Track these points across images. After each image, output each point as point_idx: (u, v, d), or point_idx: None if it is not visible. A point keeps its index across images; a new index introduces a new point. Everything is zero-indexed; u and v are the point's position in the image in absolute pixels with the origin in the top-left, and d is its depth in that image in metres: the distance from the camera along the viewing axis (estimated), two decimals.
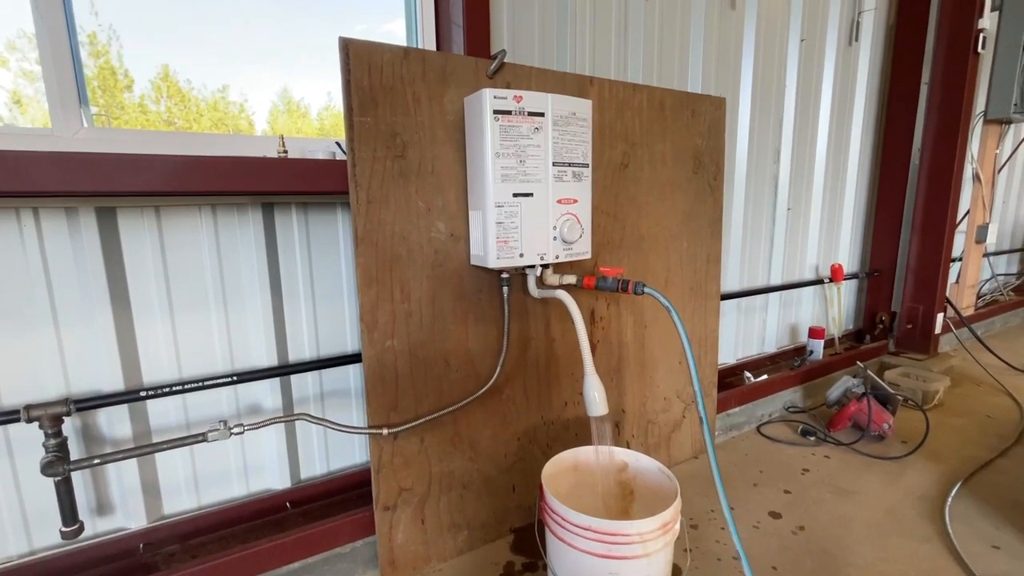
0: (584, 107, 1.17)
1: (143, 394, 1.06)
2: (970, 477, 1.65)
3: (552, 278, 1.22)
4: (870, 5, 2.45)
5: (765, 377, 2.07)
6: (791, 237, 2.43)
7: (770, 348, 2.47)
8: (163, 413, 1.16)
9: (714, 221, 1.73)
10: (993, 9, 2.58)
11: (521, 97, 1.07)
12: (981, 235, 3.05)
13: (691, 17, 1.88)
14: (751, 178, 2.18)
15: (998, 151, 3.06)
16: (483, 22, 1.38)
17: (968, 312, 3.19)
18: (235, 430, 1.03)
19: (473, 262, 1.21)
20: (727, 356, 2.28)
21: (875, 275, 2.73)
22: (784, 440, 1.93)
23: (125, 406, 1.10)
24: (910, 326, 2.64)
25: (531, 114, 1.08)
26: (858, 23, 2.44)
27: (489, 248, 1.10)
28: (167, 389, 1.08)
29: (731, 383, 2.18)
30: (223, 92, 1.26)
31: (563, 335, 1.41)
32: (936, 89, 2.45)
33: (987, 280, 3.84)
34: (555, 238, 1.17)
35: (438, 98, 1.13)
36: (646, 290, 1.15)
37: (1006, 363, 2.75)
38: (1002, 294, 3.87)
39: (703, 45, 1.91)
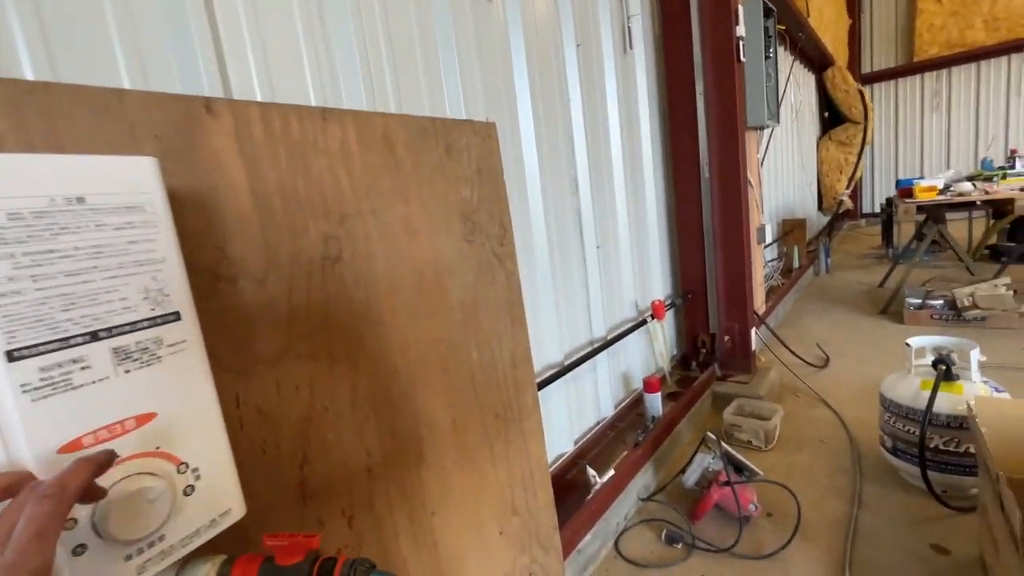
0: (133, 175, 0.45)
1: None
2: (851, 563, 1.37)
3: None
4: (636, 10, 2.20)
5: (612, 474, 1.59)
6: (606, 278, 2.05)
7: (607, 411, 2.05)
8: None
9: (513, 304, 1.15)
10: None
11: None
12: (761, 236, 3.15)
13: (432, 7, 1.28)
14: (551, 220, 1.69)
15: (760, 155, 3.21)
16: None
17: (762, 311, 3.31)
18: None
19: None
20: (564, 444, 1.77)
21: (689, 296, 2.55)
22: (651, 563, 1.47)
23: None
24: (730, 346, 2.51)
25: None
26: (629, 28, 2.17)
27: None
28: None
29: (573, 482, 1.67)
30: None
31: None
32: (711, 99, 2.32)
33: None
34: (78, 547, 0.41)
35: None
36: None
37: (803, 360, 2.83)
38: (774, 280, 4.27)
39: (456, 49, 1.34)
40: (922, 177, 4.01)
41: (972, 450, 1.47)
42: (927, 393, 1.52)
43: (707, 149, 2.37)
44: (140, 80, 0.80)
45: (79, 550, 0.41)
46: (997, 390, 1.51)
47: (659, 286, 2.49)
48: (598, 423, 1.99)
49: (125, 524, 0.42)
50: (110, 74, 0.77)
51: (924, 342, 1.65)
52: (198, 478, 0.49)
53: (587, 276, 1.91)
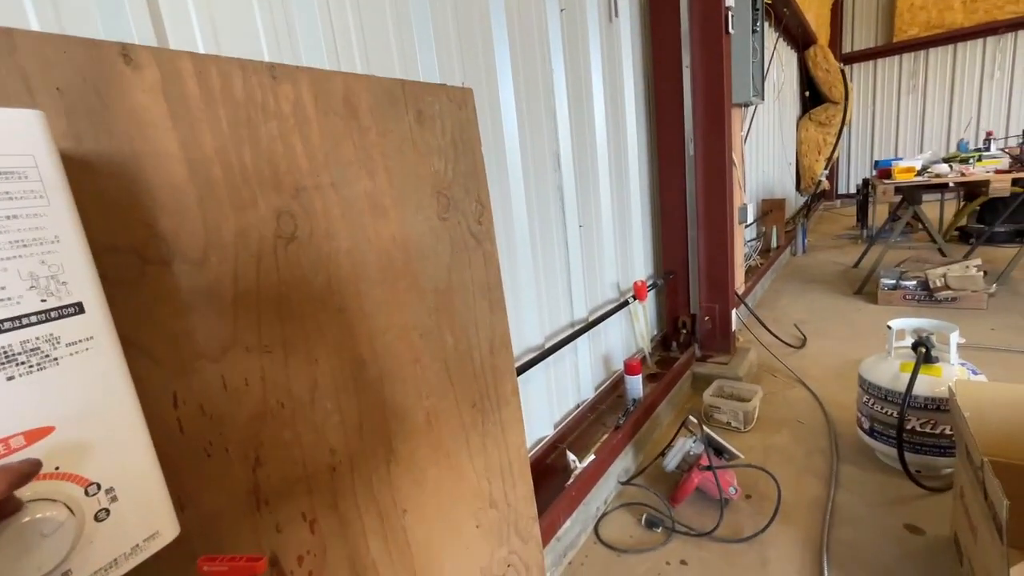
0: (10, 132, 0.35)
1: None
2: (829, 543, 1.37)
3: None
4: None
5: (592, 458, 1.56)
6: (587, 259, 1.99)
7: (587, 394, 2.02)
8: None
9: (492, 287, 1.08)
10: None
11: None
12: (743, 216, 3.12)
13: None
14: (532, 197, 1.61)
15: (743, 132, 3.17)
16: None
17: (741, 291, 3.31)
18: None
19: None
20: (544, 428, 1.73)
21: (670, 277, 2.52)
22: (631, 547, 1.45)
23: None
24: (710, 327, 2.49)
25: None
26: None
27: None
28: None
29: (553, 466, 1.63)
30: None
31: None
32: (698, 73, 2.24)
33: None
34: None
35: None
36: None
37: (782, 340, 2.84)
38: (753, 260, 4.28)
39: (430, 7, 1.23)
40: (900, 158, 4.04)
41: (948, 431, 1.48)
42: (907, 375, 1.51)
43: (692, 125, 2.30)
44: (53, 22, 0.68)
45: None
46: (974, 372, 1.52)
47: (641, 266, 2.44)
48: (578, 406, 1.96)
49: (9, 566, 0.34)
50: (14, 12, 0.65)
51: (904, 324, 1.65)
52: (114, 500, 0.41)
53: (569, 256, 1.85)
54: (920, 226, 4.60)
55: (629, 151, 2.26)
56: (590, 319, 1.97)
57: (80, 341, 0.39)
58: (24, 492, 0.36)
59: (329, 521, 0.75)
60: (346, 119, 0.76)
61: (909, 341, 1.64)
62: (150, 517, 0.44)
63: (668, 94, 2.32)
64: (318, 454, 0.73)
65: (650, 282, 2.46)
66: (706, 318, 2.50)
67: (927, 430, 1.50)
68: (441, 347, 0.94)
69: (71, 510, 0.38)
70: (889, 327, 1.64)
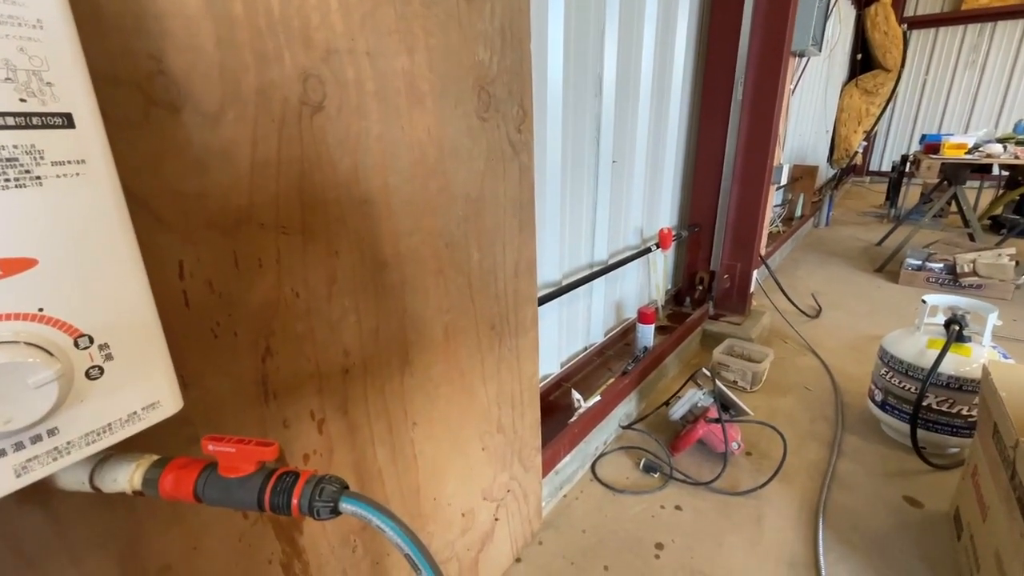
0: None
1: None
2: (826, 506, 1.37)
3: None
4: None
5: (598, 399, 1.54)
6: (615, 198, 1.89)
7: (597, 338, 1.98)
8: None
9: (524, 205, 1.00)
10: None
11: None
12: (777, 176, 2.97)
13: None
14: (569, 122, 1.49)
15: (792, 85, 2.95)
16: None
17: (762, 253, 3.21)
18: None
19: None
20: (550, 366, 1.70)
21: (695, 230, 2.42)
22: (627, 488, 1.45)
23: None
24: (728, 286, 2.42)
25: None
26: None
27: None
28: None
29: (556, 403, 1.62)
30: None
31: None
32: (760, 7, 2.04)
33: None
34: None
35: None
36: (346, 507, 0.37)
37: (797, 308, 2.78)
38: (775, 226, 4.15)
39: None
40: (950, 134, 3.80)
41: (964, 412, 1.44)
42: (933, 352, 1.46)
43: (745, 67, 2.12)
44: None
45: None
46: (1005, 356, 1.46)
47: (667, 215, 2.34)
48: (586, 348, 1.93)
49: None
50: None
51: (939, 300, 1.58)
52: (108, 358, 0.35)
53: (597, 193, 1.75)
54: (952, 210, 4.43)
55: (673, 88, 2.10)
56: (609, 262, 1.89)
57: (69, 163, 0.32)
58: (2, 332, 0.30)
59: (338, 424, 0.71)
60: None
61: (940, 319, 1.57)
62: (150, 384, 0.39)
63: (724, 27, 2.12)
64: (331, 353, 0.68)
65: (674, 233, 2.36)
66: (725, 276, 2.43)
67: (944, 408, 1.47)
68: (466, 260, 0.88)
69: (57, 362, 0.32)
70: (924, 301, 1.57)
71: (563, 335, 1.75)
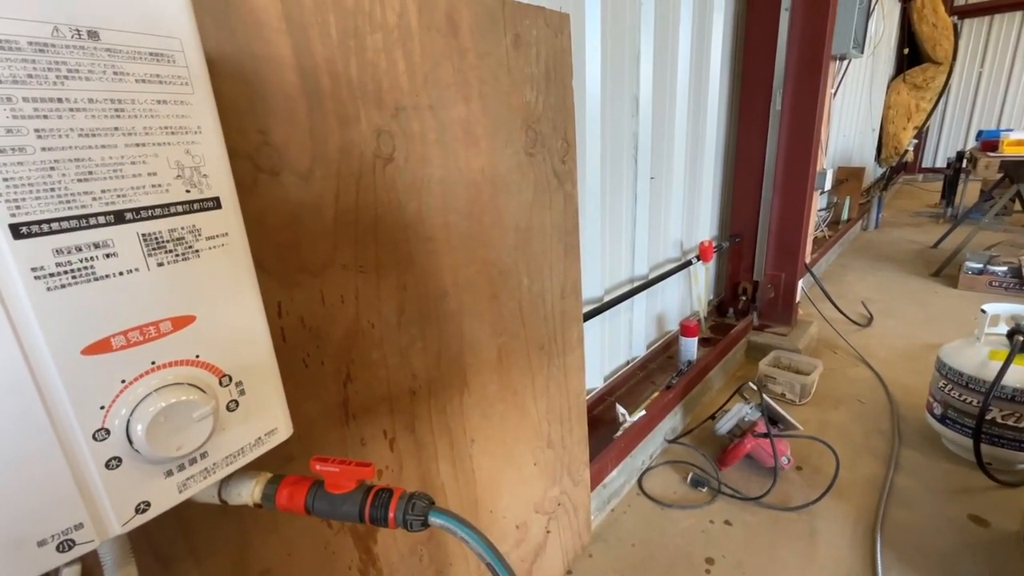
0: (157, 12, 0.34)
1: None
2: (884, 523, 1.34)
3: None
4: None
5: (643, 414, 1.56)
6: (654, 214, 1.91)
7: (639, 351, 1.99)
8: None
9: (569, 231, 1.05)
10: None
11: None
12: (820, 182, 2.91)
13: None
14: (607, 143, 1.54)
15: (832, 90, 2.89)
16: None
17: (807, 262, 3.14)
18: None
19: None
20: (594, 380, 1.73)
21: (736, 240, 2.40)
22: (675, 503, 1.46)
23: None
24: (772, 295, 2.39)
25: None
26: None
27: None
28: None
29: (600, 418, 1.65)
30: None
31: None
32: (797, 16, 2.03)
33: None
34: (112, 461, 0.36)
35: None
36: (435, 520, 0.43)
37: (846, 316, 2.70)
38: (821, 232, 4.03)
39: None
40: (1010, 130, 3.61)
41: None
42: (996, 364, 1.41)
43: (783, 76, 2.11)
44: None
45: (113, 463, 0.35)
46: None
47: (707, 227, 2.34)
48: (628, 362, 1.95)
49: (164, 439, 0.36)
50: None
51: (1000, 309, 1.52)
52: (243, 393, 0.43)
53: (636, 209, 1.78)
54: (1016, 208, 4.18)
55: (709, 101, 2.11)
56: (650, 276, 1.91)
57: (217, 236, 0.39)
58: (171, 375, 0.38)
59: (407, 441, 0.78)
60: (447, 37, 0.72)
61: (1002, 328, 1.51)
62: (270, 414, 0.46)
63: (760, 39, 2.12)
64: (401, 377, 0.75)
65: (715, 244, 2.35)
66: (769, 286, 2.39)
67: (1009, 423, 1.41)
68: (517, 286, 0.93)
69: (211, 400, 0.39)
70: (983, 311, 1.51)
71: (605, 350, 1.78)
